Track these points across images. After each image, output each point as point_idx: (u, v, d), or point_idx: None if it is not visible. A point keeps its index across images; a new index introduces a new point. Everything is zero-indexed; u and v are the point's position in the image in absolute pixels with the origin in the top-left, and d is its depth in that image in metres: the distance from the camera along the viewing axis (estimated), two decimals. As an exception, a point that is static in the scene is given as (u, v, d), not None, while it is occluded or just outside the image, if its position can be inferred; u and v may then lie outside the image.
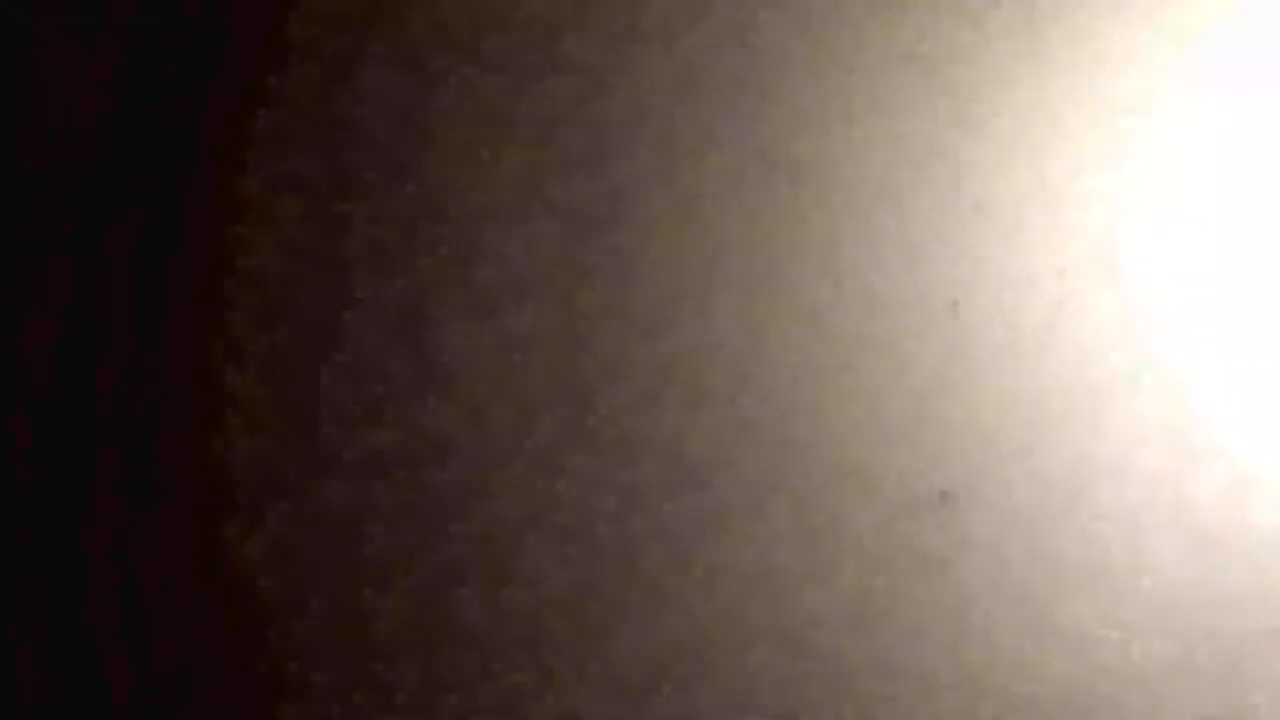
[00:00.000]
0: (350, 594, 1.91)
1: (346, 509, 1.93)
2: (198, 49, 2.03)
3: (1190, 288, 1.91)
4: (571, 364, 1.93)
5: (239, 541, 1.93)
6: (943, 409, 1.91)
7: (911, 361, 1.92)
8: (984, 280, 1.93)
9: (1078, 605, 1.86)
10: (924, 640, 1.87)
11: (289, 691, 1.90)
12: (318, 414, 1.95)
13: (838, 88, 1.97)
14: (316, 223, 1.98)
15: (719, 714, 1.88)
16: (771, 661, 1.88)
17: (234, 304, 1.97)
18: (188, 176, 2.00)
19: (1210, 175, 1.94)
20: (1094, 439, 1.89)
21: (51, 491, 1.96)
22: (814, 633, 1.87)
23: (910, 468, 1.89)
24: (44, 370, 1.98)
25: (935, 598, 1.87)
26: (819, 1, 1.99)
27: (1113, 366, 1.91)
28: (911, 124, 1.96)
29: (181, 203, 2.00)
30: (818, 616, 1.88)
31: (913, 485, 1.89)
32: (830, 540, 1.88)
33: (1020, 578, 1.87)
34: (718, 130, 1.96)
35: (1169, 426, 1.89)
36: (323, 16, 2.01)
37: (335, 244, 1.98)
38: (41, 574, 1.95)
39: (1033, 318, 1.91)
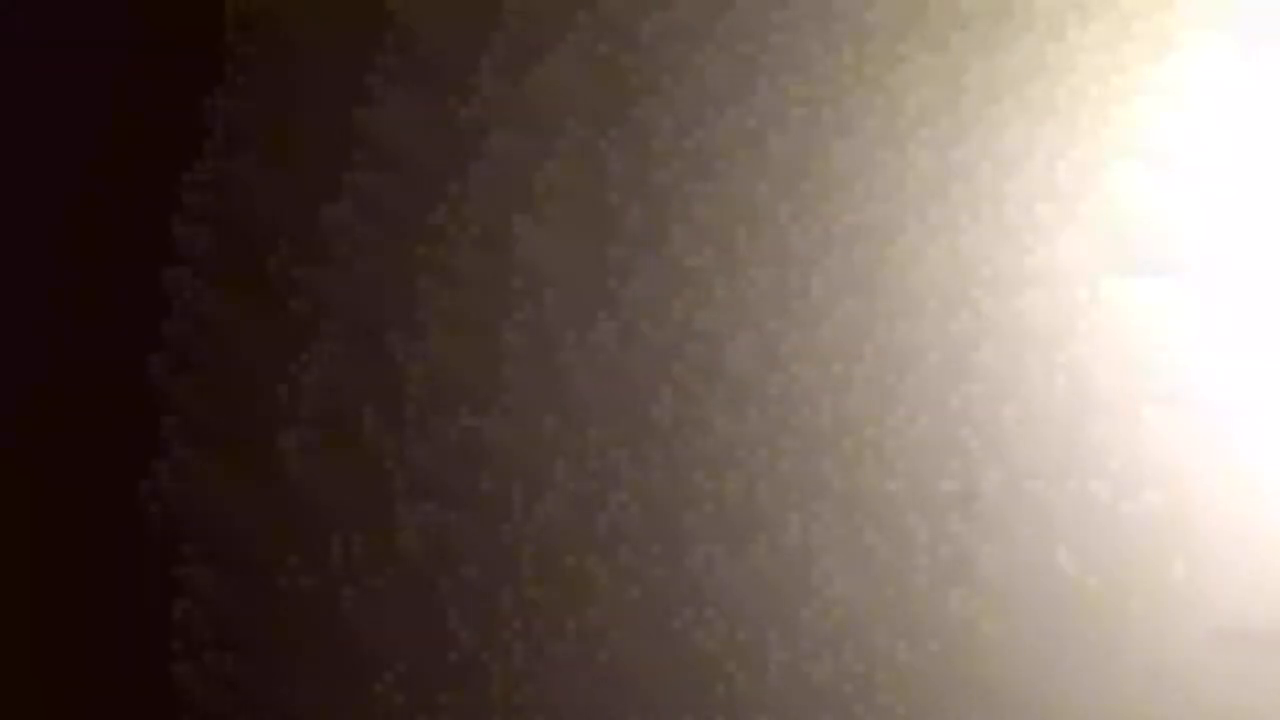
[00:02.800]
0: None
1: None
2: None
3: (1228, 293, 1.91)
4: (618, 370, 1.95)
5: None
6: (969, 412, 1.91)
7: (938, 365, 1.92)
8: (1007, 282, 1.93)
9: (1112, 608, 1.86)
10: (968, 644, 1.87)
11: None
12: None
13: (873, 105, 1.98)
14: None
15: (766, 711, 1.88)
16: (812, 659, 1.88)
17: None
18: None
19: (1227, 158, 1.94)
20: (1116, 442, 1.90)
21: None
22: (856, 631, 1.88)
23: (938, 469, 1.90)
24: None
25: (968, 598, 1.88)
26: (857, 25, 2.00)
27: (1139, 373, 1.91)
28: (936, 135, 1.97)
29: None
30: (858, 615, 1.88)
31: (941, 486, 1.90)
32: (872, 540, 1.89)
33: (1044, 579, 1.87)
34: (766, 138, 1.98)
35: (1187, 430, 1.89)
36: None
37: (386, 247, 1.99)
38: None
39: (1056, 318, 1.92)
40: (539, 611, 1.91)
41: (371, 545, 1.93)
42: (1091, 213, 1.94)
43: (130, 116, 2.02)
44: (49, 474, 1.98)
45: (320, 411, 1.96)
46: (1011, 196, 1.94)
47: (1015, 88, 1.96)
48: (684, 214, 1.97)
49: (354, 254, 1.99)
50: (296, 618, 1.92)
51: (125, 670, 1.93)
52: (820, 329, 1.94)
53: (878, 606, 1.88)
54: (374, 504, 1.94)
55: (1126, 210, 1.93)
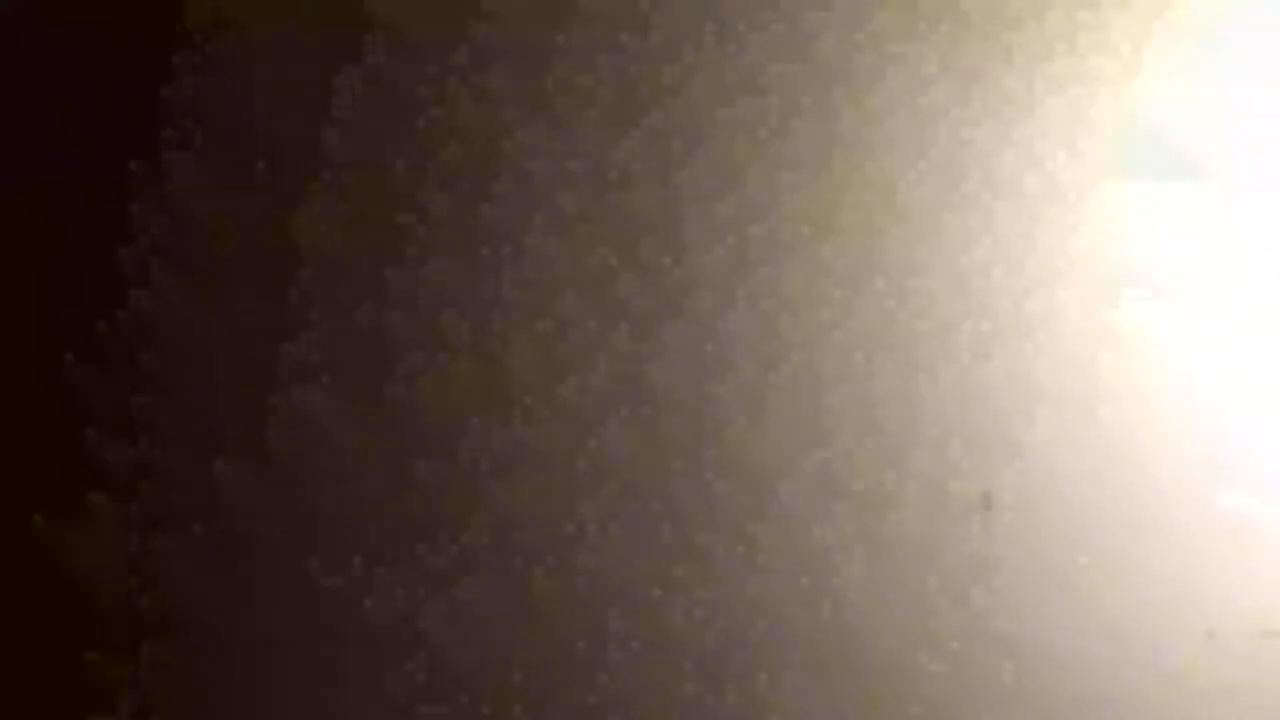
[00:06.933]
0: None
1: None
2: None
3: (1233, 298, 1.93)
4: (635, 370, 1.93)
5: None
6: (979, 411, 1.92)
7: (958, 370, 1.93)
8: (1024, 282, 1.94)
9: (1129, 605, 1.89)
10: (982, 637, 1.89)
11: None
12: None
13: (895, 105, 1.97)
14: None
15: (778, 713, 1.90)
16: (834, 661, 1.89)
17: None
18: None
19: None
20: (1127, 437, 1.92)
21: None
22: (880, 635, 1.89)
23: (956, 470, 1.91)
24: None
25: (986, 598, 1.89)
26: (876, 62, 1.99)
27: (1148, 374, 1.93)
28: (951, 126, 1.97)
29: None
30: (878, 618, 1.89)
31: (959, 487, 1.91)
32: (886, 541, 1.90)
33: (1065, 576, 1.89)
34: (783, 138, 1.96)
35: (1198, 432, 1.91)
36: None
37: (406, 233, 1.96)
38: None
39: (1070, 318, 1.93)
40: (552, 613, 1.90)
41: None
42: (1113, 211, 1.95)
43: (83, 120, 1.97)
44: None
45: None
46: (1033, 192, 1.95)
47: (1032, 82, 1.97)
48: (699, 212, 1.95)
49: (347, 253, 1.96)
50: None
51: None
52: (837, 328, 1.93)
53: (896, 607, 1.89)
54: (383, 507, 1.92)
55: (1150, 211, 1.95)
